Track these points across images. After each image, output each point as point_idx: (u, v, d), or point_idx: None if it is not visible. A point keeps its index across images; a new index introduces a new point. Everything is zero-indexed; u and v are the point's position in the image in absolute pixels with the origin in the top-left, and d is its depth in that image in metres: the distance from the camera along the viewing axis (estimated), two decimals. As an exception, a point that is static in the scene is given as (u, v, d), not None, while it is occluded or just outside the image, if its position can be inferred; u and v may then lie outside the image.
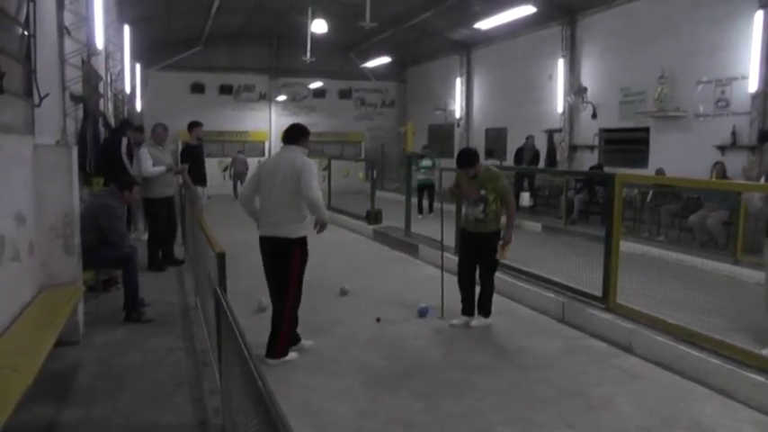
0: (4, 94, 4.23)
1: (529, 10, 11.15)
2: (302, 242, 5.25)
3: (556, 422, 4.20)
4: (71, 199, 5.34)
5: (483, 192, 6.16)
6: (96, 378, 4.67)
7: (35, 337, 4.03)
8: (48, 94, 5.33)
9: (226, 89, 23.39)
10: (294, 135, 5.37)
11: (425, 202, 14.98)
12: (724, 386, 4.74)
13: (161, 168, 8.22)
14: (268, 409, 1.91)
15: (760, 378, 4.54)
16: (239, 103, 23.55)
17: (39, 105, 5.21)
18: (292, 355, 5.27)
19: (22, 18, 5.02)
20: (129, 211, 7.92)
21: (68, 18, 6.92)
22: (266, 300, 6.43)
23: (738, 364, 4.79)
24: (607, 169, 13.54)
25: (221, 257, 3.62)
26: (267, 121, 23.66)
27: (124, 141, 8.26)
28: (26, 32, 5.07)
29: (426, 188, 14.99)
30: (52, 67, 6.14)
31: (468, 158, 6.23)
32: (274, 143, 23.79)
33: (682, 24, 11.88)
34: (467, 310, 6.45)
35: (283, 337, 5.19)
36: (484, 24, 13.15)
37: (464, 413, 4.31)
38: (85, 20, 7.33)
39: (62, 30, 6.62)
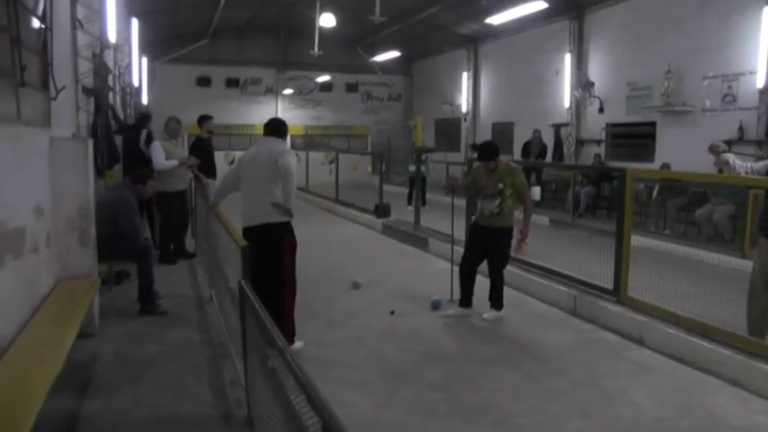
0: (24, 87, 4.27)
1: (541, 5, 11.14)
2: (290, 229, 5.32)
3: (573, 413, 4.24)
4: (87, 192, 5.38)
5: (501, 185, 6.20)
6: (115, 369, 4.71)
7: (56, 328, 4.07)
8: (64, 87, 5.38)
9: (232, 82, 23.40)
10: (275, 127, 5.51)
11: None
12: (736, 377, 4.76)
13: (173, 162, 8.24)
14: (311, 395, 1.95)
15: (771, 369, 4.58)
16: (246, 97, 23.56)
17: (55, 98, 5.24)
18: (298, 344, 5.30)
19: (40, 11, 5.06)
20: (148, 207, 7.96)
21: (80, 11, 6.95)
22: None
23: (750, 355, 4.81)
24: (613, 163, 13.61)
25: (245, 251, 3.65)
26: (273, 115, 23.67)
27: (144, 133, 8.34)
28: (43, 25, 5.11)
29: (419, 180, 15.18)
30: (66, 61, 6.17)
31: (490, 150, 6.29)
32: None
33: (689, 19, 11.87)
34: (465, 302, 6.49)
35: (288, 327, 5.24)
36: (496, 19, 13.15)
37: (482, 404, 4.35)
38: (98, 13, 7.35)
39: (75, 23, 6.65)
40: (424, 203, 14.81)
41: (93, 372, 4.62)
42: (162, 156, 8.14)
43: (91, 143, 5.52)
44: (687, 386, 4.76)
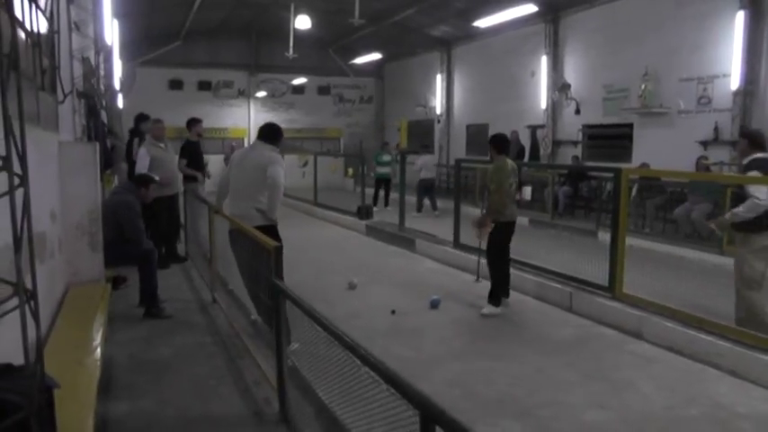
0: (43, 91, 4.26)
1: (531, 8, 11.33)
2: (274, 232, 5.40)
3: (588, 404, 4.39)
4: (96, 196, 5.37)
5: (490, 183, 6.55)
6: (133, 373, 4.70)
7: (82, 332, 4.08)
8: (71, 91, 5.34)
9: (204, 85, 23.21)
10: (268, 133, 5.65)
11: (381, 193, 15.63)
12: (734, 367, 4.98)
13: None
14: (375, 365, 2.06)
15: (769, 358, 4.81)
16: (218, 100, 23.40)
17: (62, 102, 5.22)
18: (293, 345, 5.36)
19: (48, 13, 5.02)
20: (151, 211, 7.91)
21: (74, 13, 6.88)
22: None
23: (747, 346, 5.03)
24: (590, 164, 13.95)
25: (278, 251, 3.71)
26: (246, 118, 23.58)
27: (135, 143, 8.26)
28: (51, 28, 5.07)
29: (384, 182, 15.51)
30: (66, 64, 6.11)
31: (491, 139, 6.80)
32: (253, 140, 23.73)
33: (665, 23, 12.22)
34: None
35: None
36: (482, 23, 13.34)
37: (500, 398, 4.47)
38: (94, 15, 7.29)
39: (70, 25, 6.58)
40: (386, 203, 15.15)
41: (113, 375, 4.60)
42: (146, 163, 8.06)
43: (97, 147, 5.49)
44: (689, 377, 4.97)
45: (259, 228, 5.19)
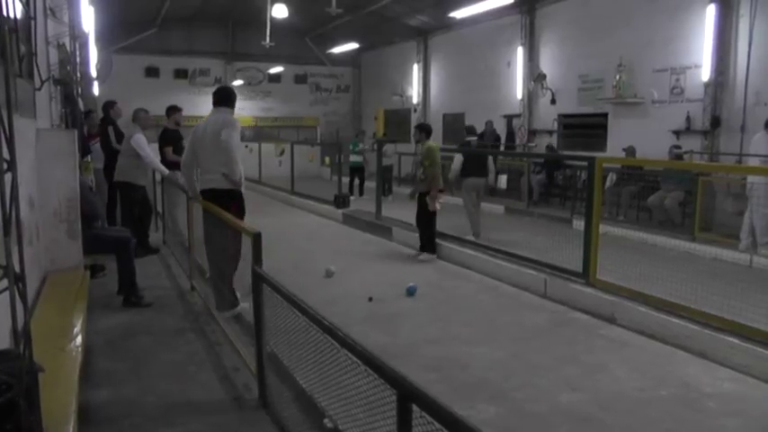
0: (21, 78, 4.23)
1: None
2: (237, 196, 5.58)
3: (561, 387, 4.51)
4: (74, 183, 5.35)
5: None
6: (113, 360, 4.72)
7: (63, 319, 4.08)
8: (48, 78, 5.30)
9: (181, 73, 23.01)
10: (222, 97, 5.80)
11: (356, 181, 15.69)
12: (703, 349, 5.15)
13: (164, 170, 8.28)
14: (353, 346, 2.14)
15: (735, 340, 4.98)
16: (194, 88, 23.14)
17: (39, 89, 5.18)
18: (243, 305, 5.38)
19: None
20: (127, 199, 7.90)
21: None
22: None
23: (714, 329, 5.21)
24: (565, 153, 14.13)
25: (257, 238, 3.76)
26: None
27: (111, 131, 8.23)
28: (27, 13, 5.03)
29: (357, 170, 15.61)
30: (42, 50, 6.05)
31: (422, 126, 9.30)
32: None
33: (638, 15, 12.41)
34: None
35: (229, 285, 5.44)
36: (459, 14, 13.40)
37: (476, 383, 4.57)
38: (70, 1, 7.20)
39: (46, 11, 6.51)
40: (361, 193, 15.22)
41: (92, 363, 4.61)
42: (148, 148, 8.06)
43: (76, 134, 5.46)
44: (660, 359, 5.12)
45: (224, 191, 5.46)
